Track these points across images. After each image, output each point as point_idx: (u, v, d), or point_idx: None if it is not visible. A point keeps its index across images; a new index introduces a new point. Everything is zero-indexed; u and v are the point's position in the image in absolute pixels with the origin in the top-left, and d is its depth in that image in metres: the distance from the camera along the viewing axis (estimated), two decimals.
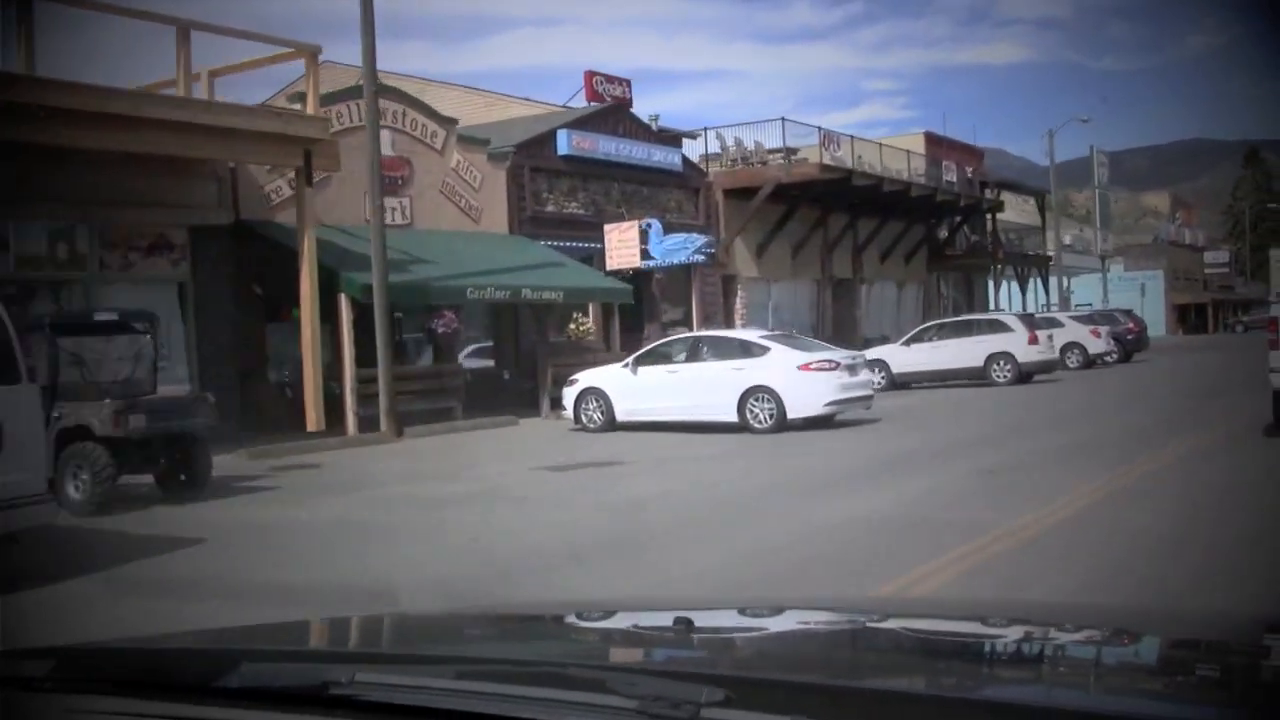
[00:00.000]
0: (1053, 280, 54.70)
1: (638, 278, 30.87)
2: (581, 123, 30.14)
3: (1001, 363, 30.62)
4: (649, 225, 29.91)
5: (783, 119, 34.39)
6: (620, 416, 20.49)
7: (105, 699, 1.95)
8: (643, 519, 11.05)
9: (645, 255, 29.84)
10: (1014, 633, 2.45)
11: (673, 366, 20.12)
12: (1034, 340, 30.58)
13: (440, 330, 22.35)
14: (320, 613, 4.07)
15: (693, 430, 19.56)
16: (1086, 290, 71.44)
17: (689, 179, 33.47)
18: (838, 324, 40.14)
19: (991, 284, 52.95)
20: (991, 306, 49.97)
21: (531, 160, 28.34)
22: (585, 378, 21.17)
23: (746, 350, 19.68)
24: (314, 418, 20.07)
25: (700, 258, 29.65)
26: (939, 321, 33.90)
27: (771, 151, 35.49)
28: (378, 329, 20.47)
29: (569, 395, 21.22)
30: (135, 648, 2.33)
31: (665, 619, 2.43)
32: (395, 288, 21.02)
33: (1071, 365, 38.93)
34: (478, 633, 2.75)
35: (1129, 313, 46.45)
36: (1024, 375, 30.61)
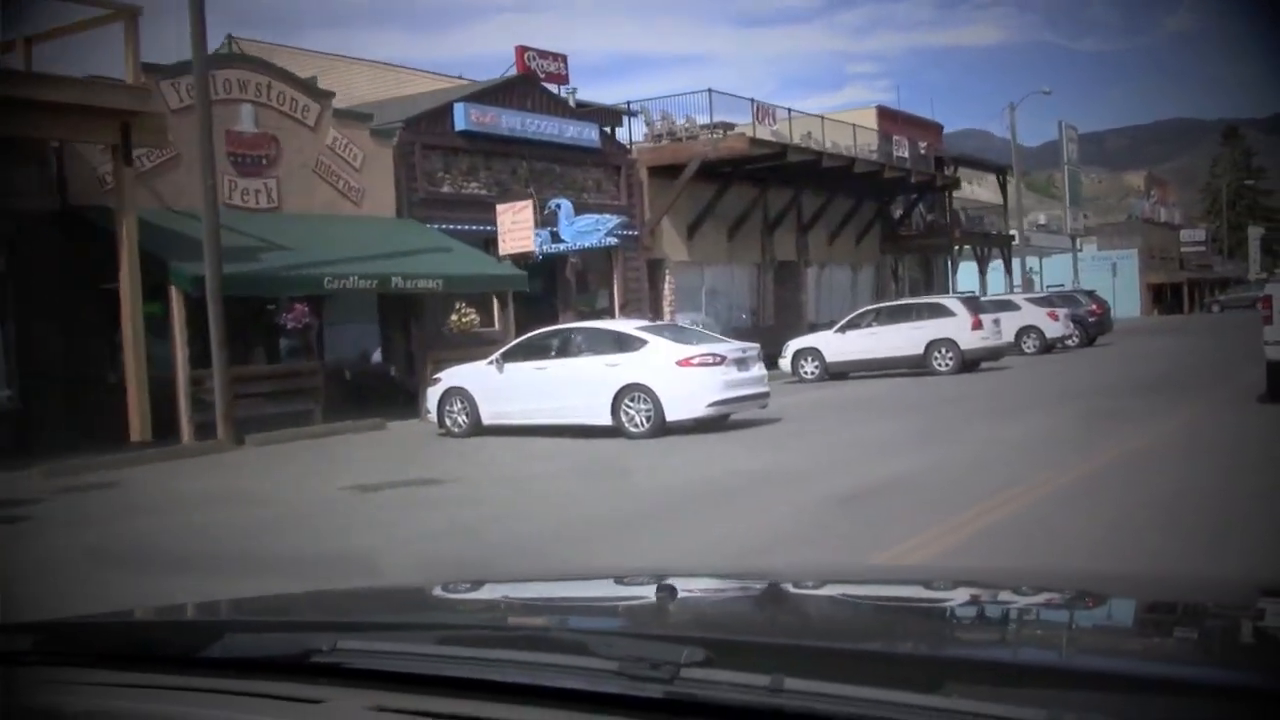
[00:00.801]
0: (1016, 261, 52.32)
1: (550, 264, 28.55)
2: (482, 96, 27.71)
3: (943, 350, 28.32)
4: (558, 206, 27.53)
5: (709, 90, 31.91)
6: (486, 420, 18.14)
7: (91, 671, 1.94)
8: (382, 566, 8.67)
9: (556, 238, 27.50)
10: (997, 596, 2.42)
11: (541, 363, 17.75)
12: (978, 325, 28.27)
13: (290, 325, 19.95)
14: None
15: (564, 434, 17.24)
16: (1059, 271, 69.21)
17: (609, 156, 31.05)
18: (781, 309, 37.81)
19: (950, 265, 50.66)
20: (950, 289, 47.69)
21: (424, 137, 25.92)
22: (449, 376, 18.82)
23: (621, 344, 17.30)
24: (138, 426, 17.76)
25: (613, 240, 27.24)
26: (876, 306, 31.53)
27: (708, 127, 33.04)
28: (211, 324, 18.09)
29: (432, 396, 18.87)
30: (120, 621, 2.37)
31: (647, 585, 2.57)
32: (238, 279, 18.64)
33: (1028, 350, 36.73)
34: (458, 601, 2.71)
35: (1091, 293, 44.13)
36: (968, 363, 28.31)
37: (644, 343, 16.97)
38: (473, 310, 22.63)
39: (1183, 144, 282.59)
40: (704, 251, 34.17)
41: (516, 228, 23.88)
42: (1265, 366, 16.52)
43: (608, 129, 33.63)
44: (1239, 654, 1.85)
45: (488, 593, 2.85)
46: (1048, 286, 65.82)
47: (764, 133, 34.44)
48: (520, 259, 27.72)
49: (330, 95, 24.24)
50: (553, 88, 32.85)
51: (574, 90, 31.91)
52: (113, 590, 7.56)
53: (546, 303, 29.43)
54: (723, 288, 35.86)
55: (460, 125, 26.57)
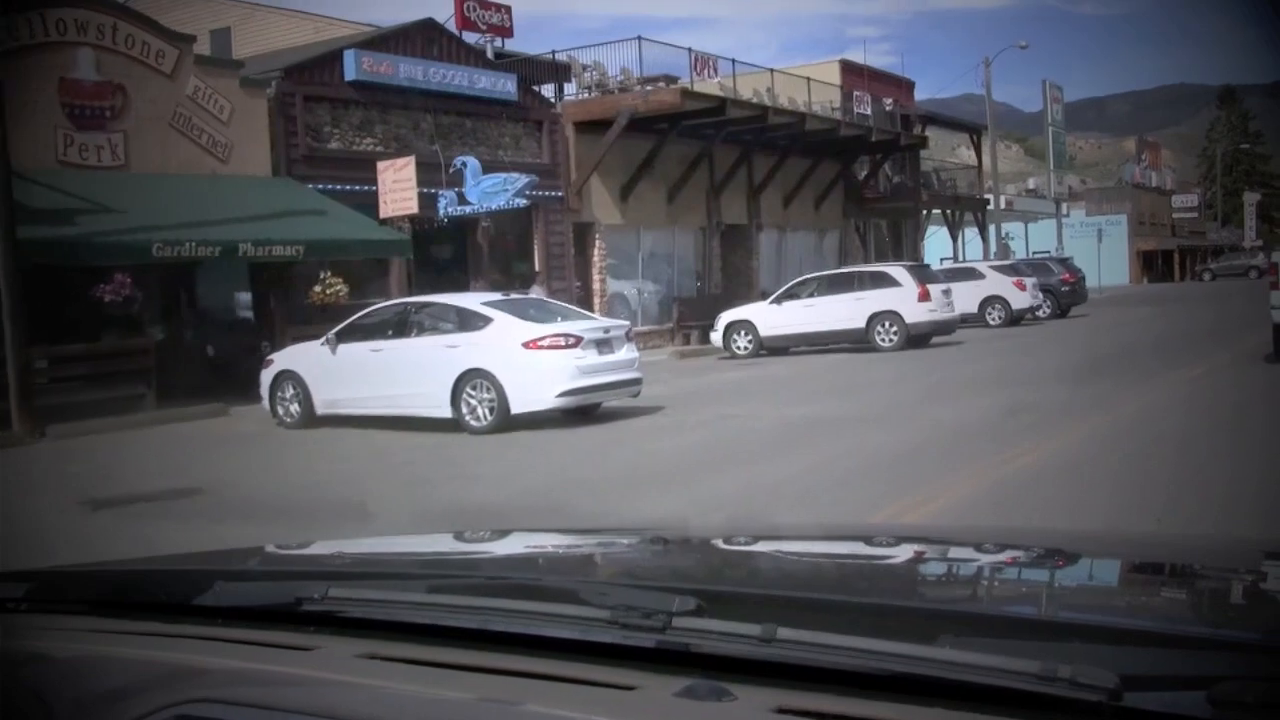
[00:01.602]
0: (993, 227, 49.70)
1: (461, 228, 26.05)
2: (377, 43, 25.10)
3: (887, 324, 25.83)
4: (463, 164, 25.00)
5: (639, 38, 29.22)
6: (320, 408, 15.72)
7: (81, 618, 1.95)
8: None
9: (462, 200, 25.01)
10: (991, 553, 2.37)
11: (378, 343, 15.26)
12: (925, 296, 25.74)
13: (109, 299, 17.45)
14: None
15: (406, 426, 14.82)
16: (1045, 237, 66.54)
17: (530, 110, 28.45)
18: (731, 276, 35.28)
19: (919, 231, 48.02)
20: (918, 256, 45.11)
21: (306, 88, 23.34)
22: (283, 357, 16.39)
23: (464, 321, 14.80)
24: None
25: (521, 201, 24.67)
26: (817, 275, 28.93)
27: (648, 80, 30.36)
28: (3, 297, 15.63)
29: (265, 379, 16.42)
30: (110, 569, 2.35)
31: (641, 538, 2.65)
32: (38, 245, 16.19)
33: (993, 322, 34.33)
34: (449, 551, 2.67)
35: (1064, 261, 41.64)
36: (915, 338, 25.81)
37: (488, 320, 14.47)
38: (339, 280, 20.09)
39: (1185, 109, 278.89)
40: (640, 214, 31.59)
41: (398, 187, 21.34)
42: (1272, 329, 18.05)
43: (548, 85, 31.13)
44: (1230, 610, 1.86)
45: (478, 543, 2.84)
46: (1034, 253, 63.26)
47: (711, 87, 31.91)
48: (426, 222, 25.36)
49: (190, 40, 21.65)
50: (497, 41, 30.39)
51: (491, 39, 29.24)
52: None
53: (457, 271, 26.99)
54: (663, 253, 33.29)
55: (350, 75, 23.97)
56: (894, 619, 1.63)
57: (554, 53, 30.74)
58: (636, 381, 15.03)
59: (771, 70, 35.10)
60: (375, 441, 14.42)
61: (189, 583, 2.03)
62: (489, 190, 24.86)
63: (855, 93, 39.24)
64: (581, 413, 14.98)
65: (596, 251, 30.18)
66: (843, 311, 25.92)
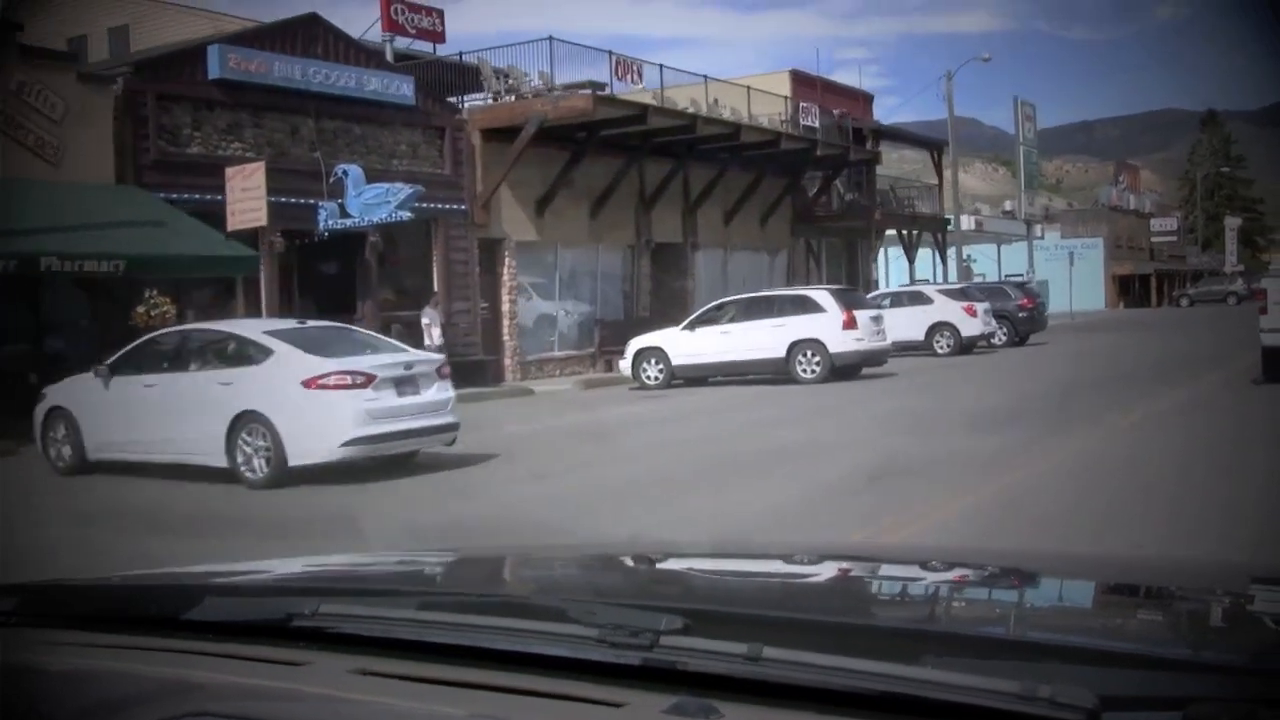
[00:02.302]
0: (954, 249, 47.46)
1: (350, 243, 23.76)
2: (248, 39, 22.81)
3: (809, 353, 23.54)
4: (344, 173, 22.78)
5: (550, 38, 26.92)
6: (91, 452, 13.38)
7: (70, 632, 1.95)
8: None
9: (344, 212, 22.76)
10: (977, 574, 2.41)
11: (151, 377, 12.92)
12: (850, 324, 23.44)
13: None
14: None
15: (180, 476, 12.50)
16: (1018, 260, 64.35)
17: (429, 116, 26.15)
18: (665, 298, 32.96)
19: (871, 252, 45.80)
20: (867, 278, 42.91)
21: (161, 86, 21.03)
22: (55, 392, 14.05)
23: (242, 353, 12.45)
24: None
25: (406, 214, 22.37)
26: (735, 298, 26.60)
27: (573, 86, 28.09)
28: None
29: (37, 416, 14.07)
30: (100, 584, 2.33)
31: (629, 557, 2.66)
32: None
33: (941, 351, 32.10)
34: (441, 569, 2.72)
35: (1022, 285, 39.46)
36: (841, 369, 23.53)
37: (269, 353, 12.10)
38: (166, 300, 17.73)
39: (1174, 134, 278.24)
40: (559, 230, 29.29)
41: (247, 196, 18.99)
42: (1260, 352, 18.42)
43: (475, 95, 28.92)
44: (1210, 632, 1.88)
45: (469, 562, 2.84)
46: (1006, 276, 61.21)
47: (645, 96, 29.77)
48: (305, 236, 23.14)
49: (16, 28, 19.34)
50: (427, 46, 28.25)
51: (391, 37, 27.01)
52: None
53: (346, 291, 24.69)
54: (586, 272, 31.00)
55: (215, 73, 21.65)
56: (878, 639, 1.64)
57: (461, 54, 28.45)
58: (450, 427, 12.62)
59: (705, 77, 32.80)
60: (139, 496, 12.10)
61: (180, 597, 2.01)
62: (370, 202, 22.62)
63: (802, 104, 37.02)
64: (396, 462, 12.65)
65: (506, 270, 27.87)
66: (762, 339, 23.64)
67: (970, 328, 32.22)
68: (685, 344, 24.17)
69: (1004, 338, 35.26)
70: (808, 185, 40.33)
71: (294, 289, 25.26)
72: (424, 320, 24.15)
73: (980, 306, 32.63)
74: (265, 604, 1.94)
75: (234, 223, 19.10)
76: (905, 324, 32.11)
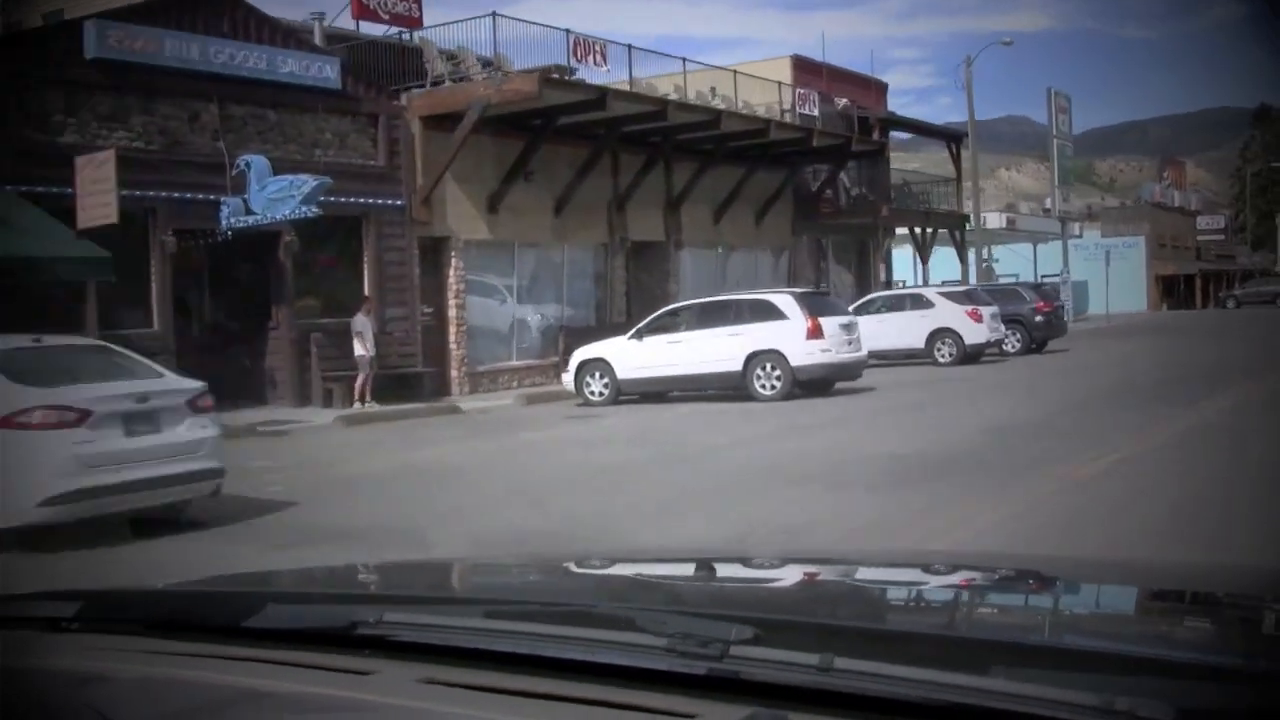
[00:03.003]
0: (975, 248, 44.39)
1: (267, 242, 21.29)
2: (140, 13, 20.31)
3: (768, 366, 20.80)
4: (247, 165, 20.32)
5: (494, 14, 24.21)
6: None
7: (132, 639, 1.91)
8: None
9: (246, 209, 20.31)
10: (1047, 582, 2.33)
11: None
12: (815, 332, 20.63)
13: None
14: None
15: None
16: (1056, 259, 61.02)
17: (359, 102, 23.58)
18: (645, 302, 30.09)
19: (897, 251, 42.95)
20: (881, 278, 39.99)
21: (21, 66, 18.60)
22: None
23: None
24: None
25: (311, 209, 19.84)
26: (689, 303, 23.82)
27: (541, 71, 25.42)
28: None
29: None
30: (161, 590, 2.30)
31: (688, 566, 2.64)
32: None
33: (942, 360, 29.22)
34: (505, 577, 2.67)
35: (1038, 287, 36.41)
36: (806, 383, 20.77)
37: None
38: None
39: (1226, 132, 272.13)
40: (516, 228, 26.65)
41: (97, 189, 16.53)
42: None
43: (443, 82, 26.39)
44: None
45: (531, 569, 2.79)
46: (1043, 276, 57.99)
47: (638, 85, 27.16)
48: (210, 235, 20.81)
49: None
50: (405, 34, 25.79)
51: (320, 15, 24.52)
52: None
53: (257, 296, 22.22)
54: (550, 274, 28.35)
55: (92, 51, 19.21)
56: (949, 648, 1.61)
57: (401, 34, 25.87)
58: (208, 474, 9.94)
59: (684, 59, 30.10)
60: None
61: (241, 604, 1.99)
62: (274, 196, 20.15)
63: (799, 90, 34.18)
64: (162, 516, 10.03)
65: (453, 272, 25.27)
66: (718, 349, 20.89)
67: (974, 334, 29.35)
68: (633, 355, 21.49)
69: (1017, 345, 32.30)
70: (812, 180, 37.51)
71: (204, 295, 22.93)
72: (354, 328, 21.63)
73: (986, 311, 29.72)
74: (329, 611, 1.88)
75: (83, 219, 16.62)
76: (904, 330, 29.38)
